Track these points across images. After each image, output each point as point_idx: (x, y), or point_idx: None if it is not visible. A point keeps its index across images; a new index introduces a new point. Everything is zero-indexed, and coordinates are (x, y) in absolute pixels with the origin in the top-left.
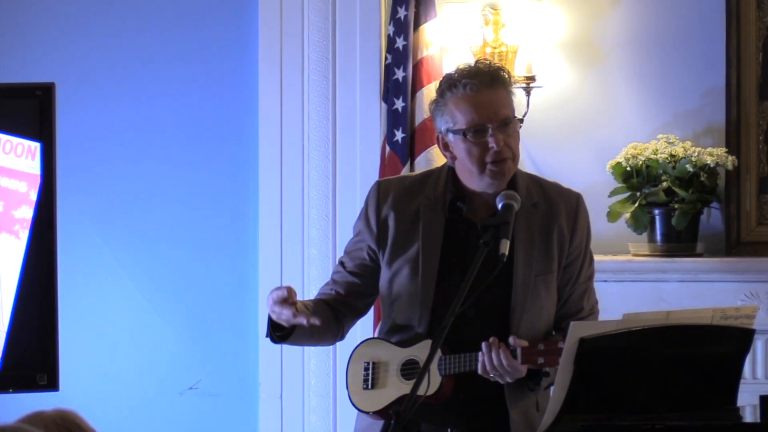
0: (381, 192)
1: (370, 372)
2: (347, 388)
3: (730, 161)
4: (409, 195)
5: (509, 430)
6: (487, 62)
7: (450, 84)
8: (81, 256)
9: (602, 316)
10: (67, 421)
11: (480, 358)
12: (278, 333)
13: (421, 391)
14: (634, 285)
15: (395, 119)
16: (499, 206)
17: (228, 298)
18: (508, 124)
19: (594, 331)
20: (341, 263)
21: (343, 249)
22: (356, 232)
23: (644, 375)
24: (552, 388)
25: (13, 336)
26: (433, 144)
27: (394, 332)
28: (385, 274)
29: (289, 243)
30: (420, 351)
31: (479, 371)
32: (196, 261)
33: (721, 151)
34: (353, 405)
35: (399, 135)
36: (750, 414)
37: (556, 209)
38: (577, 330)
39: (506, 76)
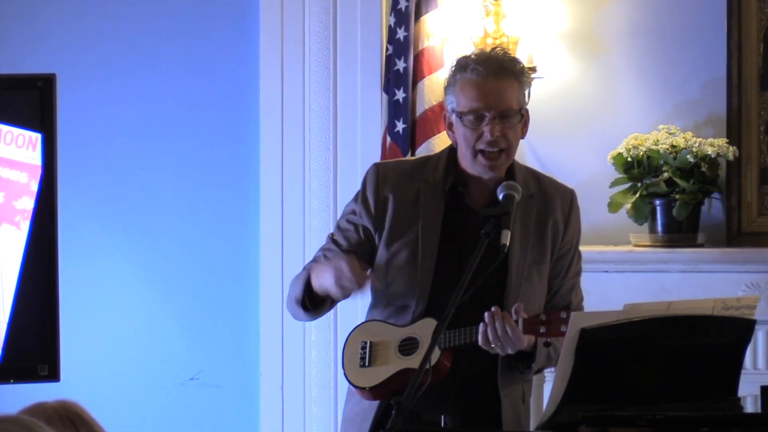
0: (380, 174)
1: (368, 350)
2: (343, 366)
3: (731, 152)
4: (408, 178)
5: (501, 417)
6: (503, 51)
7: (462, 66)
8: (82, 246)
9: (603, 307)
10: (70, 412)
11: (481, 329)
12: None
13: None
14: (635, 275)
15: (396, 110)
16: (500, 197)
17: (229, 290)
18: (508, 116)
19: (595, 322)
20: (334, 241)
21: None
22: (351, 211)
23: (645, 365)
24: (534, 379)
25: (14, 327)
26: (434, 135)
27: (389, 313)
28: (382, 256)
29: (291, 234)
30: (419, 329)
31: (480, 341)
32: (198, 252)
33: (722, 141)
34: (348, 381)
35: (400, 126)
36: (751, 404)
37: (551, 202)
38: (578, 320)
39: (519, 67)
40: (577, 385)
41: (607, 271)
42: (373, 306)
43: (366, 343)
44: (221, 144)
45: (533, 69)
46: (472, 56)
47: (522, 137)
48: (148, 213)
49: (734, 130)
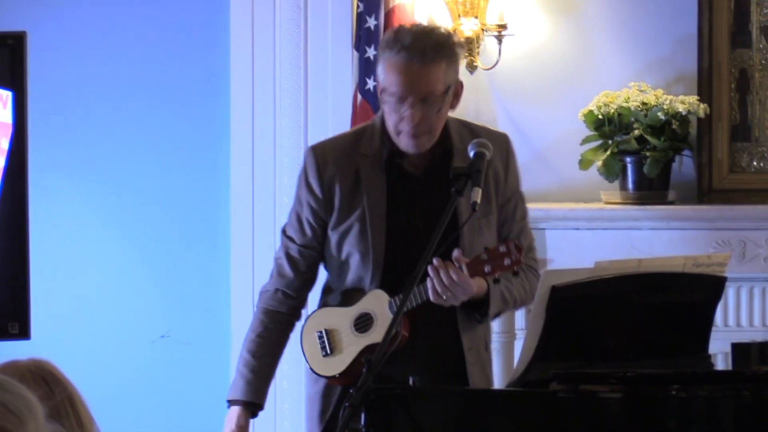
0: (319, 157)
1: (325, 338)
2: (306, 362)
3: (702, 109)
4: (346, 156)
5: (466, 372)
6: (431, 31)
7: (389, 43)
8: (53, 204)
9: (574, 264)
10: (42, 370)
11: (429, 284)
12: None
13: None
14: (605, 233)
15: (367, 67)
16: (471, 154)
17: (199, 246)
18: (430, 100)
19: (566, 279)
20: (290, 239)
21: None
22: (298, 202)
23: (616, 323)
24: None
25: None
26: None
27: (345, 292)
28: (333, 238)
29: (261, 190)
30: (369, 303)
31: (431, 297)
32: (168, 209)
33: (692, 99)
34: (316, 374)
35: (371, 83)
36: (721, 361)
37: None
38: (549, 278)
39: (449, 45)
40: (548, 343)
41: (578, 229)
42: (330, 287)
43: (321, 332)
44: (192, 102)
45: (504, 26)
46: (401, 35)
47: (453, 108)
48: (118, 171)
49: (705, 88)
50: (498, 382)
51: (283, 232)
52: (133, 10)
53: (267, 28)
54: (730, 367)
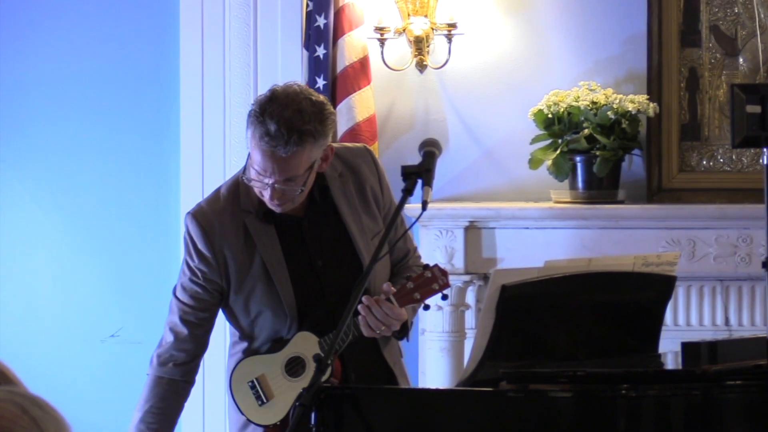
0: (203, 224)
1: (258, 388)
2: (242, 413)
3: (652, 108)
4: (229, 216)
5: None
6: (300, 111)
7: (256, 116)
8: (1, 203)
9: (524, 263)
10: None
11: (362, 321)
12: None
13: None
14: (555, 232)
15: (317, 66)
16: (420, 153)
17: (149, 245)
18: (292, 180)
19: (516, 278)
20: (184, 303)
21: None
22: (191, 270)
23: (566, 322)
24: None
25: None
26: (355, 91)
27: (259, 347)
28: (238, 301)
29: (210, 191)
30: (297, 347)
31: (365, 333)
32: (118, 208)
33: (642, 98)
34: (257, 425)
35: (320, 82)
36: (671, 360)
37: (359, 170)
38: (498, 277)
39: (314, 129)
40: (498, 342)
41: (527, 228)
42: (240, 341)
43: (253, 381)
44: (142, 102)
45: (453, 26)
46: (268, 115)
47: (321, 171)
48: (67, 169)
49: (655, 87)
50: (448, 382)
51: (175, 296)
52: (82, 6)
53: (217, 27)
54: (679, 367)
